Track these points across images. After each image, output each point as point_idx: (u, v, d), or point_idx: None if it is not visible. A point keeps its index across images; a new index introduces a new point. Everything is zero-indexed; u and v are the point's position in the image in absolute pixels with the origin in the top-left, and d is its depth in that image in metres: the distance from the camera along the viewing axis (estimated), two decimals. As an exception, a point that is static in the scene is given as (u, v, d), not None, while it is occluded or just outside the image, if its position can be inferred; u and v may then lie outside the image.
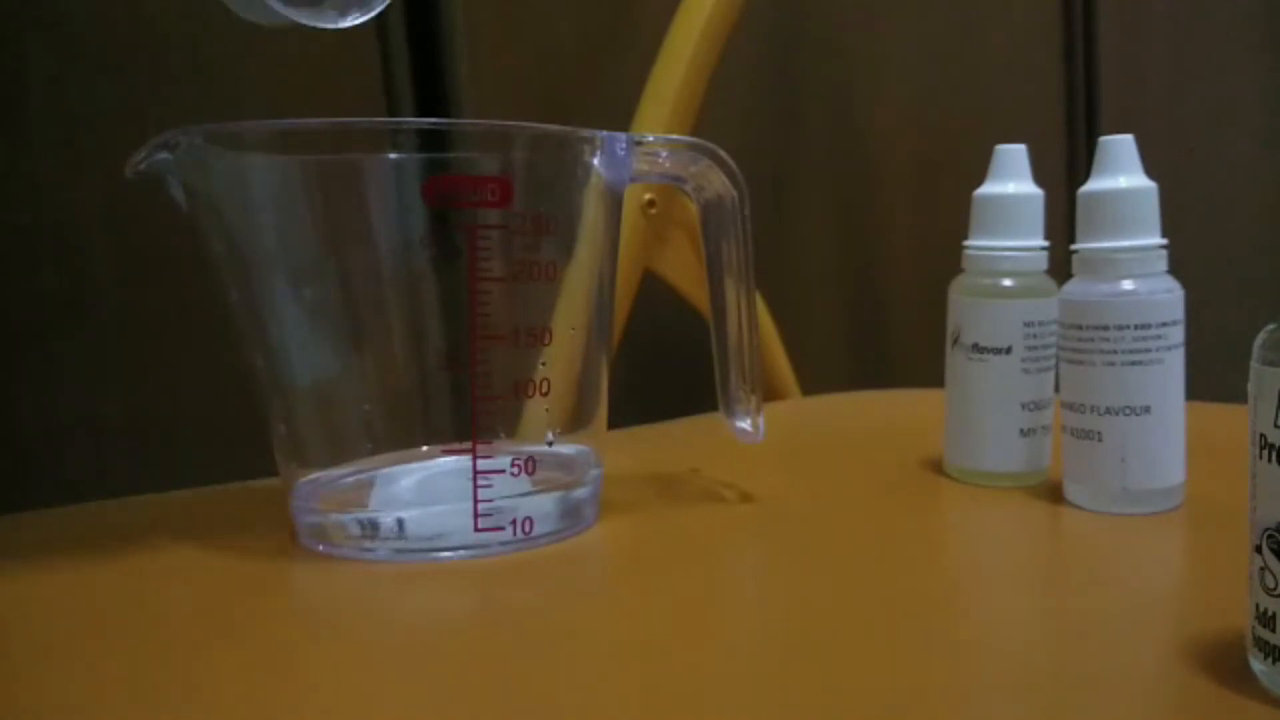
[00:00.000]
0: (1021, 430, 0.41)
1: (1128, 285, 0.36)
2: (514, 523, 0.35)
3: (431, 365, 0.36)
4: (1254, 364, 0.23)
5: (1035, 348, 0.40)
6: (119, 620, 0.30)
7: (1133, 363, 0.36)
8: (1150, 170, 0.37)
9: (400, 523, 0.35)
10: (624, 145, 0.36)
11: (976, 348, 0.41)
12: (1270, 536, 0.22)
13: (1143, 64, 1.04)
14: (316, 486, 0.36)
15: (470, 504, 0.34)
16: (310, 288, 0.35)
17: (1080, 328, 0.37)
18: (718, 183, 0.38)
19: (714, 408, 0.40)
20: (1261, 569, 0.23)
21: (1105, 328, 0.36)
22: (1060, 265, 0.40)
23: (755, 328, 0.39)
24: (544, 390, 0.35)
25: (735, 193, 0.38)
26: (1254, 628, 0.23)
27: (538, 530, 0.35)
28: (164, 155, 0.33)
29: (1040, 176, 0.41)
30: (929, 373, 0.50)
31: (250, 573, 0.34)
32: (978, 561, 0.35)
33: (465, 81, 0.63)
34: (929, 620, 0.29)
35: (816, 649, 0.27)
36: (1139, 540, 0.35)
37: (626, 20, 0.71)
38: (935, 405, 0.44)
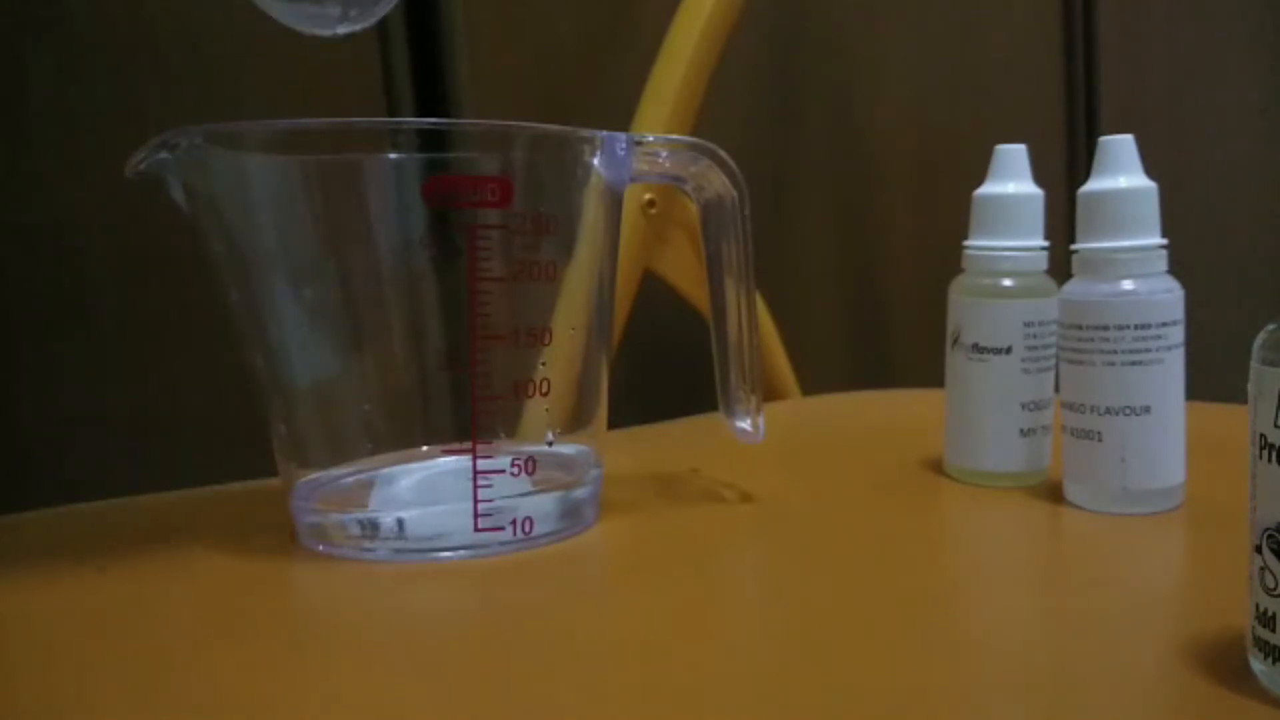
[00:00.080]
0: (1021, 430, 0.41)
1: (1128, 285, 0.36)
2: (514, 523, 0.35)
3: (431, 365, 0.36)
4: (1254, 364, 0.23)
5: (1035, 348, 0.40)
6: (119, 620, 0.30)
7: (1133, 363, 0.36)
8: (1150, 170, 0.37)
9: (400, 523, 0.35)
10: (624, 145, 0.36)
11: (976, 348, 0.41)
12: (1270, 536, 0.22)
13: (1143, 64, 1.04)
14: (316, 486, 0.36)
15: (470, 504, 0.34)
16: (310, 288, 0.35)
17: (1080, 328, 0.37)
18: (718, 183, 0.38)
19: (714, 408, 0.40)
20: (1261, 569, 0.23)
21: (1105, 328, 0.36)
22: (1060, 265, 0.40)
23: (755, 328, 0.39)
24: (544, 390, 0.35)
25: (735, 193, 0.38)
26: (1254, 628, 0.23)
27: (538, 530, 0.35)
28: (164, 155, 0.33)
29: (1040, 176, 0.41)
30: (929, 373, 0.50)
31: (250, 573, 0.34)
32: (978, 561, 0.35)
33: (465, 81, 0.63)
34: (929, 620, 0.29)
35: (816, 649, 0.27)
36: (1139, 540, 0.35)
37: (626, 20, 0.71)
38: (935, 405, 0.44)
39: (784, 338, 0.70)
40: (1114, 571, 0.32)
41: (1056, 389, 0.40)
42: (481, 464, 0.34)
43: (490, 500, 0.34)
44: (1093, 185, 0.37)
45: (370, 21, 0.34)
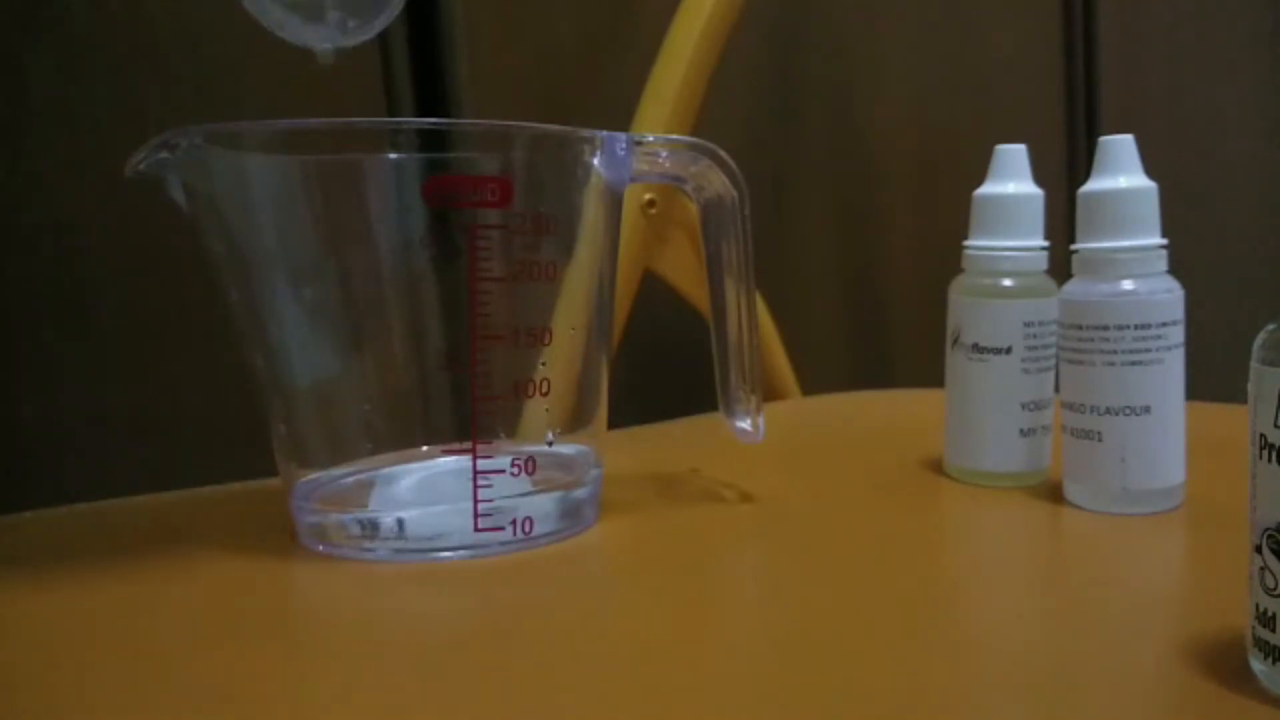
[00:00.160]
0: (1021, 430, 0.41)
1: (1128, 285, 0.36)
2: (514, 523, 0.35)
3: (431, 365, 0.36)
4: (1254, 364, 0.23)
5: (1035, 348, 0.40)
6: (119, 620, 0.30)
7: (1133, 363, 0.36)
8: (1150, 170, 0.37)
9: (400, 523, 0.35)
10: (624, 145, 0.36)
11: (976, 348, 0.41)
12: (1270, 536, 0.22)
13: (1143, 64, 1.04)
14: (316, 486, 0.36)
15: (470, 504, 0.34)
16: (310, 288, 0.35)
17: (1080, 328, 0.37)
18: (718, 183, 0.38)
19: (714, 408, 0.40)
20: (1261, 569, 0.23)
21: (1105, 328, 0.36)
22: (1060, 265, 0.40)
23: (755, 328, 0.39)
24: (544, 390, 0.35)
25: (735, 193, 0.38)
26: (1254, 628, 0.23)
27: (538, 530, 0.35)
28: (164, 155, 0.33)
29: (1040, 176, 0.41)
30: (929, 373, 0.50)
31: (250, 573, 0.34)
32: (978, 561, 0.35)
33: (465, 81, 0.63)
34: (929, 620, 0.29)
35: (816, 649, 0.27)
36: (1139, 540, 0.35)
37: (626, 20, 0.71)
38: (935, 405, 0.44)
39: (784, 338, 0.70)
40: (1114, 571, 0.32)
41: (1056, 389, 0.40)
42: (481, 464, 0.34)
43: (490, 500, 0.34)
44: (1093, 185, 0.37)
45: (369, 35, 0.34)
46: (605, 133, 0.36)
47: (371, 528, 0.35)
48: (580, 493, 0.37)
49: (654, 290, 0.62)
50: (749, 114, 0.79)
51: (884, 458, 0.47)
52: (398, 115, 0.62)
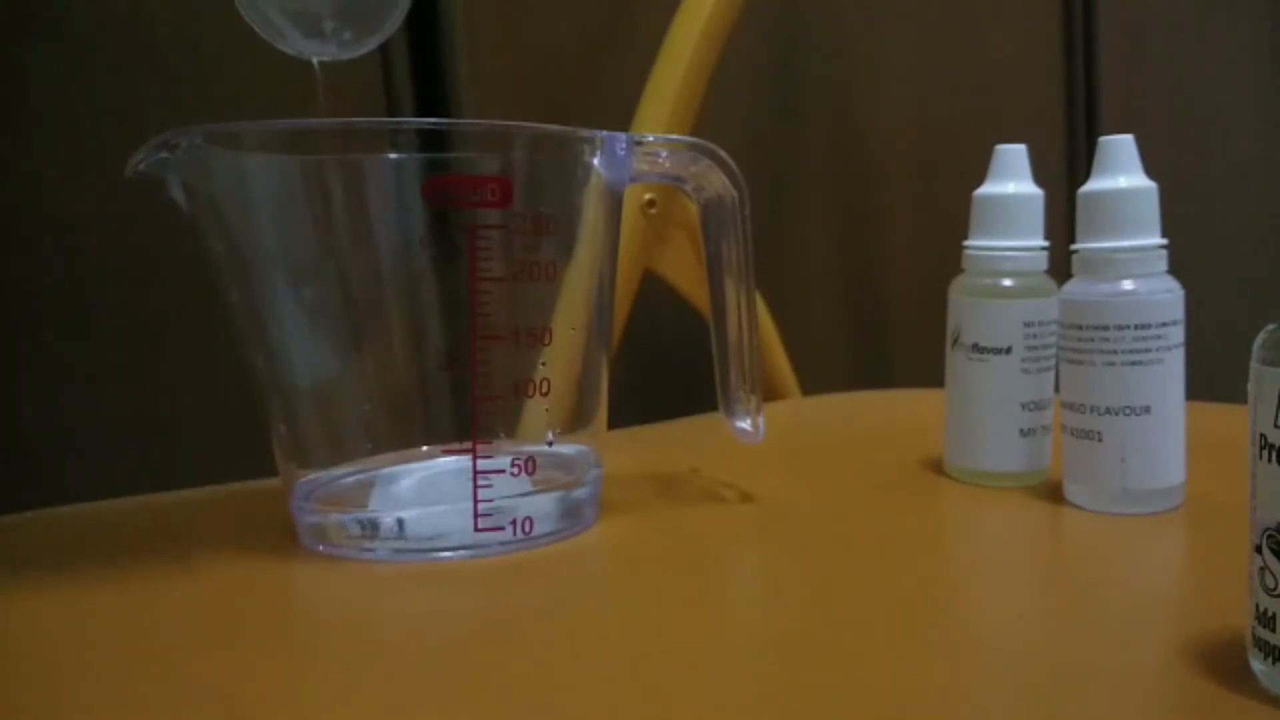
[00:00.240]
0: (1021, 430, 0.41)
1: (1128, 285, 0.36)
2: (514, 523, 0.35)
3: (431, 365, 0.36)
4: (1254, 364, 0.23)
5: (1035, 348, 0.40)
6: (119, 620, 0.30)
7: (1133, 363, 0.36)
8: (1150, 170, 0.37)
9: (400, 523, 0.35)
10: (624, 145, 0.36)
11: (976, 348, 0.41)
12: (1270, 536, 0.22)
13: (1143, 64, 1.04)
14: (316, 486, 0.36)
15: (470, 504, 0.34)
16: (310, 288, 0.35)
17: (1080, 328, 0.37)
18: (718, 183, 0.38)
19: (714, 408, 0.40)
20: (1261, 569, 0.23)
21: (1105, 328, 0.36)
22: (1060, 265, 0.40)
23: (755, 328, 0.39)
24: (544, 390, 0.35)
25: (735, 193, 0.38)
26: (1254, 628, 0.23)
27: (538, 530, 0.35)
28: (164, 155, 0.33)
29: (1040, 176, 0.41)
30: (929, 373, 0.50)
31: (250, 573, 0.34)
32: (978, 561, 0.35)
33: (465, 81, 0.63)
34: (929, 620, 0.29)
35: (816, 649, 0.27)
36: (1139, 540, 0.35)
37: (626, 20, 0.71)
38: (935, 405, 0.44)
39: (784, 338, 0.70)
40: (1114, 571, 0.32)
41: (1056, 389, 0.40)
42: (481, 464, 0.34)
43: (490, 500, 0.34)
44: (1093, 185, 0.37)
45: (369, 47, 0.34)
46: (605, 133, 0.36)
47: (371, 528, 0.35)
48: (580, 493, 0.37)
49: (654, 290, 0.62)
50: (749, 114, 0.79)
51: (884, 458, 0.47)
52: (398, 115, 0.62)
